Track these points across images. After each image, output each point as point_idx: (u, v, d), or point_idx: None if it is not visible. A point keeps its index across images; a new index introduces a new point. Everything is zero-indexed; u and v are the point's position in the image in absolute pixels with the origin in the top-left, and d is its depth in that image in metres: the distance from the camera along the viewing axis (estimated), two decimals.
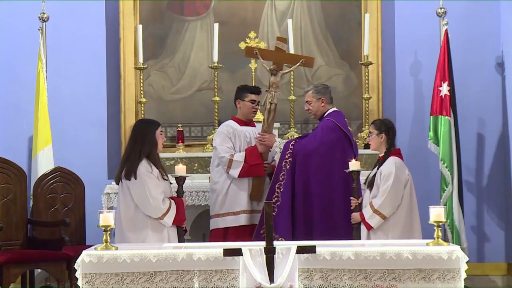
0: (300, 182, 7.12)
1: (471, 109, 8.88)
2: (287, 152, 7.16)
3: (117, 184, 6.69)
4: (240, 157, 7.28)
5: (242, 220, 7.26)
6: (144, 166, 6.56)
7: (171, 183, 6.79)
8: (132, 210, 6.57)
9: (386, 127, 6.99)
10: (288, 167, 7.13)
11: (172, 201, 6.66)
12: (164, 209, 6.56)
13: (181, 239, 6.69)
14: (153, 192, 6.53)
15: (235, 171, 7.25)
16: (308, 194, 7.12)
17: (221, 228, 7.30)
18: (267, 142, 7.30)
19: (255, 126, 7.58)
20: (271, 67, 7.35)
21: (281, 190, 7.09)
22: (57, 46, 8.82)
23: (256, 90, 7.51)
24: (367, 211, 6.81)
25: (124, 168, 6.60)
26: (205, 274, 5.53)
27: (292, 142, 7.22)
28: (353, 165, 6.98)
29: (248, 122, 7.53)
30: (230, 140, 7.39)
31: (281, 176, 7.12)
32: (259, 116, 8.58)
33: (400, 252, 5.55)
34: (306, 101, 7.40)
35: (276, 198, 7.09)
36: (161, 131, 6.78)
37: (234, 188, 7.30)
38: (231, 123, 7.53)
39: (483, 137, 8.97)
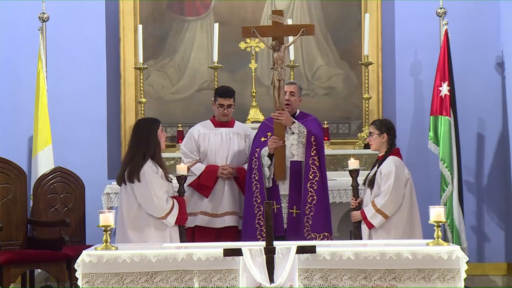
0: (325, 175, 7.14)
1: (471, 109, 8.88)
2: (312, 150, 7.09)
3: (119, 185, 6.69)
4: (197, 170, 7.35)
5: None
6: (149, 166, 6.56)
7: (171, 181, 6.80)
8: (135, 209, 6.58)
9: (387, 127, 6.99)
10: (317, 164, 7.08)
11: (175, 201, 6.67)
12: (167, 209, 6.57)
13: (183, 238, 6.70)
14: (157, 191, 6.54)
15: (189, 179, 7.25)
16: (326, 187, 7.19)
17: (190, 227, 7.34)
18: (283, 120, 7.09)
19: (233, 126, 7.55)
20: (272, 43, 7.12)
21: (315, 187, 7.04)
22: (57, 46, 8.82)
23: (224, 94, 7.43)
24: (369, 210, 6.81)
25: (126, 169, 6.59)
26: (205, 274, 5.54)
27: (313, 138, 7.09)
28: (353, 164, 6.98)
29: (224, 123, 7.54)
30: (193, 143, 7.47)
31: (311, 174, 7.06)
32: (258, 116, 8.59)
33: (400, 252, 5.55)
34: (291, 92, 7.22)
35: (311, 198, 7.02)
36: (162, 128, 6.79)
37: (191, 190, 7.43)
38: (204, 124, 7.59)
39: (483, 137, 8.97)
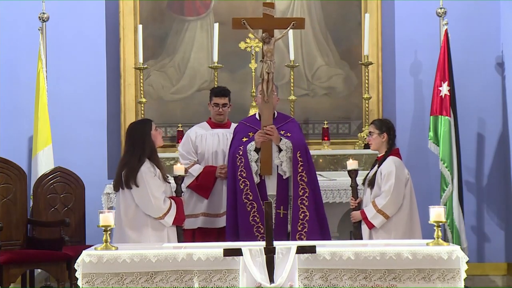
0: (316, 182, 7.11)
1: (471, 109, 8.88)
2: (299, 166, 7.04)
3: (116, 191, 6.69)
4: (195, 171, 7.40)
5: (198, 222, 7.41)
6: (147, 167, 6.57)
7: (169, 182, 6.80)
8: (132, 209, 6.58)
9: (387, 127, 6.99)
10: (305, 179, 7.04)
11: (173, 201, 6.67)
12: (165, 209, 6.58)
13: (180, 239, 6.71)
14: (155, 192, 6.54)
15: (187, 181, 7.34)
16: (319, 195, 7.15)
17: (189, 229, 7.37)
18: (273, 137, 7.04)
19: (229, 127, 7.57)
20: (262, 35, 7.09)
21: (306, 204, 7.00)
22: (57, 46, 8.82)
23: (219, 93, 7.52)
24: (369, 210, 6.81)
25: (122, 174, 6.58)
26: (205, 274, 5.54)
27: (299, 154, 7.05)
28: (351, 164, 6.98)
29: (219, 124, 7.58)
30: (190, 144, 7.52)
31: (300, 191, 7.01)
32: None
33: (400, 252, 5.55)
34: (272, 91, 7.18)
35: (302, 214, 6.97)
36: (155, 127, 6.78)
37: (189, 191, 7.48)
38: (200, 125, 7.65)
39: (483, 137, 8.97)
